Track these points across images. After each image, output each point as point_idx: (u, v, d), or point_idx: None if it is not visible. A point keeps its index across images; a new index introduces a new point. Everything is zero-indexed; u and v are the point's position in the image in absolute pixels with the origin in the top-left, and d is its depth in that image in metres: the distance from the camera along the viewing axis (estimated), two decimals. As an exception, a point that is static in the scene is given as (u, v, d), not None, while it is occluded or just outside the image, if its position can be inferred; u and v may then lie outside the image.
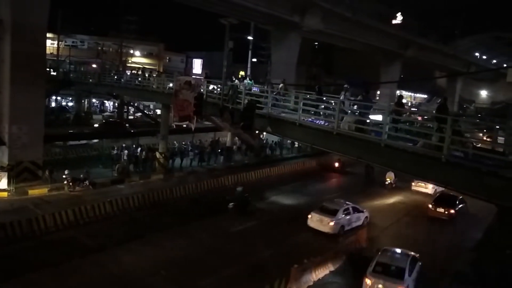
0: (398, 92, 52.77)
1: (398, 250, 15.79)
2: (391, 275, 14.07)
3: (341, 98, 15.32)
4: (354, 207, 20.98)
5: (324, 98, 17.20)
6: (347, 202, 21.20)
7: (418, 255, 15.76)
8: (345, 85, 16.76)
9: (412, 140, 12.30)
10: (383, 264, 14.48)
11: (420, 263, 15.48)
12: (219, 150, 34.76)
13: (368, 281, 14.05)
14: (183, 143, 33.85)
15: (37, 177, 23.49)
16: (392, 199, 27.56)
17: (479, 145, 12.19)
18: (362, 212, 21.45)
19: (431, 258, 16.75)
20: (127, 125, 42.79)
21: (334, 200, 21.92)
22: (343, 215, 19.91)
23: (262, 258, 16.53)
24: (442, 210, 23.24)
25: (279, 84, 19.86)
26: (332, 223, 19.23)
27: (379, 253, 15.33)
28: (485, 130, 29.97)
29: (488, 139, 12.65)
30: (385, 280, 13.88)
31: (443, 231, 22.00)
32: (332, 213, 19.70)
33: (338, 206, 20.46)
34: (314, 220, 19.80)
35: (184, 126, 21.94)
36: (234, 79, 22.75)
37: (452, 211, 23.14)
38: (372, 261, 14.73)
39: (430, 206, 23.68)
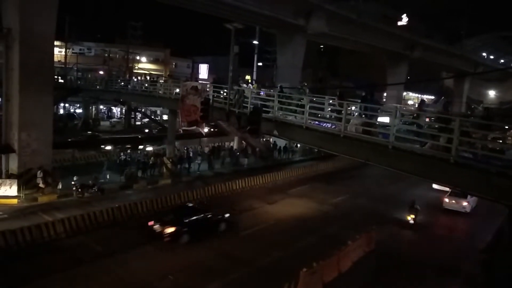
0: (407, 95, 52.41)
1: None
2: (459, 196, 24.87)
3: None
4: None
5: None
6: None
7: None
8: (304, 83, 17.77)
9: (420, 141, 12.22)
10: (455, 192, 24.64)
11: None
12: (237, 153, 35.45)
13: (446, 200, 25.84)
14: (185, 148, 34.06)
15: (47, 184, 23.68)
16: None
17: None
18: None
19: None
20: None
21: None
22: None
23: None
24: None
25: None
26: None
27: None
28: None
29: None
30: (456, 198, 25.29)
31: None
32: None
33: None
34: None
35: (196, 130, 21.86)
36: (241, 83, 22.80)
37: None
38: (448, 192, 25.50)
39: None
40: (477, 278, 16.67)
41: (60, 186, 23.56)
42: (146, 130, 47.58)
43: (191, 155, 32.56)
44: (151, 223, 18.66)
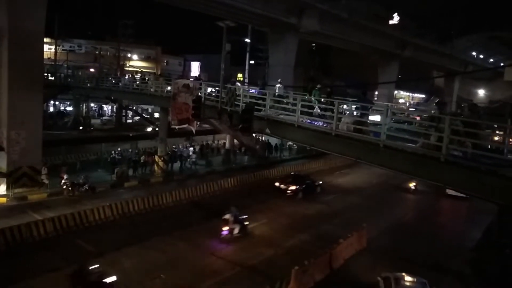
0: (398, 94, 52.62)
1: None
2: None
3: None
4: None
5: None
6: None
7: None
8: (318, 85, 18.06)
9: (411, 140, 12.30)
10: None
11: None
12: (237, 151, 36.85)
13: None
14: (174, 146, 33.98)
15: (36, 182, 23.47)
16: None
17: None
18: None
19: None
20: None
21: None
22: None
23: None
24: None
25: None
26: None
27: None
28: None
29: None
30: None
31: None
32: None
33: None
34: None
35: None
36: (235, 82, 22.80)
37: None
38: None
39: None
40: (467, 276, 16.84)
41: (66, 181, 23.63)
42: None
43: (179, 153, 32.62)
44: (277, 183, 27.37)
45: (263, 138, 38.93)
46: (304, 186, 27.10)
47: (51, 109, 53.27)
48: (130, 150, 32.57)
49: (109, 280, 12.42)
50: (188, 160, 32.28)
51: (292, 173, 30.54)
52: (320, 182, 28.76)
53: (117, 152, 30.86)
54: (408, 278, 13.59)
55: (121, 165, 28.45)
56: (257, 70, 56.95)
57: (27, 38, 22.46)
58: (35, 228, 17.32)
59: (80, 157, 32.26)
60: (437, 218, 26.17)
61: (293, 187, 26.73)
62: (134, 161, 29.26)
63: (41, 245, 16.77)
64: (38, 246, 16.71)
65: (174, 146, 34.01)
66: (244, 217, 19.29)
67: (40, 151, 24.21)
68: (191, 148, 33.77)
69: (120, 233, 18.64)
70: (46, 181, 23.57)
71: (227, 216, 18.32)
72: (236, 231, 18.43)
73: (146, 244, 17.49)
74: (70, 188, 23.24)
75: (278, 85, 19.04)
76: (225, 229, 18.14)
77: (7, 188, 22.06)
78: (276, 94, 18.35)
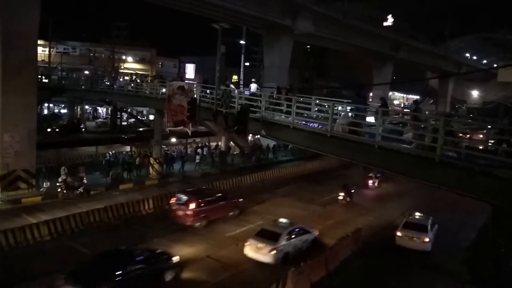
0: (393, 95, 52.81)
1: None
2: None
3: None
4: None
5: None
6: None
7: None
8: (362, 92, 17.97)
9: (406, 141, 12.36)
10: None
11: None
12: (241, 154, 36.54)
13: None
14: (166, 148, 33.97)
15: (30, 186, 23.32)
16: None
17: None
18: None
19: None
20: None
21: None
22: None
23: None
24: None
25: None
26: None
27: None
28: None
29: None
30: None
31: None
32: None
33: None
34: None
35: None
36: (228, 84, 22.88)
37: None
38: None
39: None
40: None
41: (85, 181, 24.09)
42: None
43: (174, 155, 32.61)
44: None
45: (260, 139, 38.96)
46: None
47: (45, 111, 53.01)
48: (124, 152, 32.49)
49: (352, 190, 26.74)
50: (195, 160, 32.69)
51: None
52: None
53: (111, 154, 30.77)
54: (417, 214, 20.66)
55: (116, 167, 28.35)
56: (252, 71, 56.99)
57: (21, 41, 22.32)
58: (29, 232, 17.18)
59: (74, 160, 32.17)
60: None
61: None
62: (128, 163, 29.16)
63: (36, 249, 16.64)
64: (33, 249, 16.58)
65: (166, 148, 33.94)
66: (379, 175, 30.19)
67: (34, 154, 24.07)
68: (206, 148, 33.98)
69: (116, 235, 18.50)
70: (69, 180, 23.59)
71: (371, 174, 30.34)
72: (376, 183, 30.71)
73: (142, 246, 17.36)
74: (65, 191, 23.12)
75: (252, 85, 19.40)
76: (370, 182, 30.63)
77: (1, 192, 21.88)
78: (250, 92, 19.10)
